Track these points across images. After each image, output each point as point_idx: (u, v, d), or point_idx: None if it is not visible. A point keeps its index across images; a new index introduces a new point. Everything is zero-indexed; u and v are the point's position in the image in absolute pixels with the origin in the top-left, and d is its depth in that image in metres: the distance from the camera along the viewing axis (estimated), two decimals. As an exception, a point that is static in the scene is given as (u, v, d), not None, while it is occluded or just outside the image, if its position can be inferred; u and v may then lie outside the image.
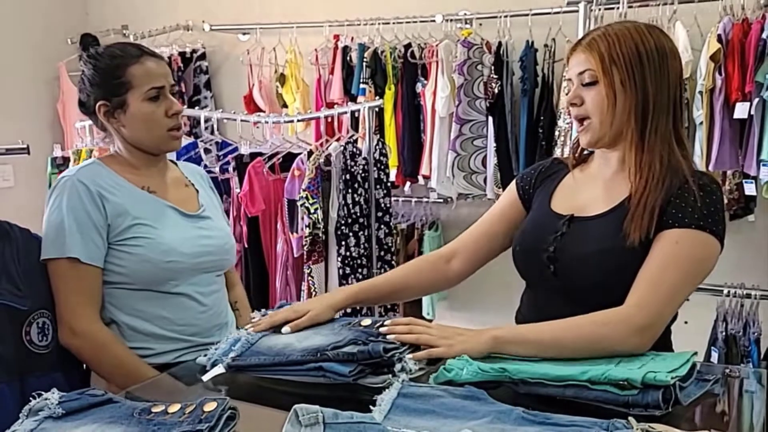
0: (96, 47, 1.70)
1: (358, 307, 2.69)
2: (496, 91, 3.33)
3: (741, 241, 2.99)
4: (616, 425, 0.97)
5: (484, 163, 3.39)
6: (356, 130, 3.11)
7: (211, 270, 1.73)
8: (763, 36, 2.66)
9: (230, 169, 3.01)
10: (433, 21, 3.52)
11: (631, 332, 1.21)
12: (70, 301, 1.56)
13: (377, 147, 3.01)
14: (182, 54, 4.22)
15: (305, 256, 2.85)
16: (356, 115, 3.13)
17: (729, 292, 2.84)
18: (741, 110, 2.70)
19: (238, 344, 1.34)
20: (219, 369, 1.31)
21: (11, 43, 4.21)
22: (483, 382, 1.15)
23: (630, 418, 0.99)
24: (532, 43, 3.28)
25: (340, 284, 2.84)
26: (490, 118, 3.35)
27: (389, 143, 3.47)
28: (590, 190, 1.43)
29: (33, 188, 3.95)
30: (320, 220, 2.83)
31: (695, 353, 1.17)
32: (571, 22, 3.13)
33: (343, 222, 2.88)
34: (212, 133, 3.11)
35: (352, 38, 3.71)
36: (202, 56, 4.29)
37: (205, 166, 2.96)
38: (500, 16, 3.35)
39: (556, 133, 3.16)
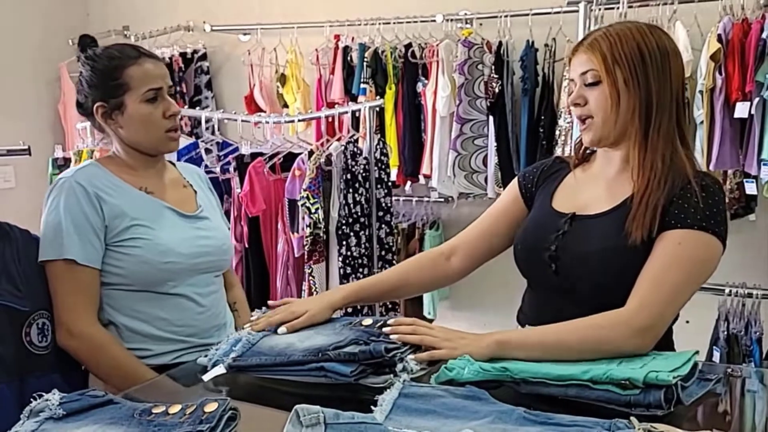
0: (94, 48, 1.69)
1: (358, 307, 2.70)
2: (496, 90, 3.33)
3: (742, 241, 2.99)
4: (618, 425, 0.97)
5: (485, 162, 3.39)
6: (357, 129, 3.11)
7: (209, 271, 1.73)
8: (763, 36, 2.66)
9: (231, 169, 3.01)
10: (434, 21, 3.52)
11: (632, 333, 1.21)
12: (68, 302, 1.56)
13: (378, 147, 3.01)
14: (183, 54, 4.22)
15: (306, 256, 2.85)
16: (357, 114, 3.13)
17: (730, 291, 2.84)
18: (741, 110, 2.70)
19: (239, 344, 1.33)
20: (220, 369, 1.30)
21: (12, 44, 4.21)
22: (484, 382, 1.15)
23: (632, 417, 0.98)
24: (533, 42, 3.28)
25: (341, 284, 2.83)
26: (491, 118, 3.35)
27: (390, 143, 3.47)
28: (592, 190, 1.42)
29: (34, 189, 3.94)
30: (321, 220, 2.83)
31: (697, 352, 1.17)
32: (571, 21, 3.13)
33: (344, 222, 2.88)
34: (213, 133, 3.11)
35: (353, 38, 3.71)
36: (203, 57, 4.29)
37: (206, 167, 2.96)
38: (500, 16, 3.35)
39: (557, 132, 3.16)
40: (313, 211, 2.79)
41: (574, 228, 1.38)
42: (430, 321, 3.02)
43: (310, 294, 2.82)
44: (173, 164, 1.84)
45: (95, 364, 1.60)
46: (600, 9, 2.95)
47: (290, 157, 3.01)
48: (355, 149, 2.92)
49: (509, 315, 1.57)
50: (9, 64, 4.19)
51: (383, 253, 3.06)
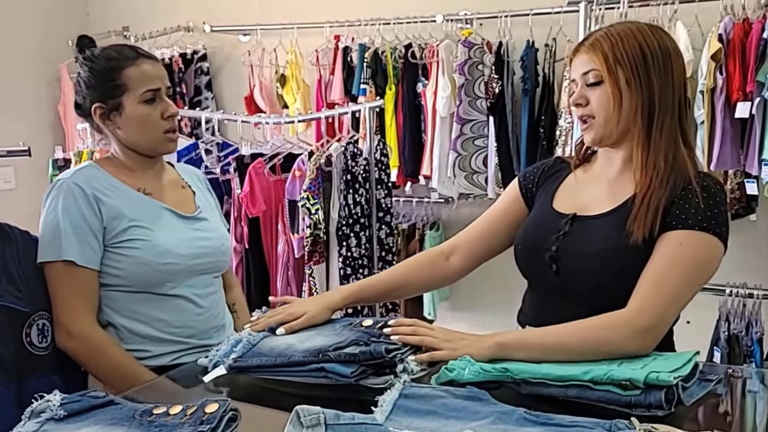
0: (92, 49, 1.69)
1: (359, 307, 2.70)
2: (496, 90, 3.33)
3: (743, 241, 2.98)
4: (619, 426, 0.97)
5: (485, 162, 3.39)
6: (357, 130, 3.11)
7: (208, 272, 1.73)
8: (764, 36, 2.66)
9: (231, 170, 3.01)
10: (434, 21, 3.52)
11: (634, 335, 1.21)
12: (67, 303, 1.56)
13: (378, 147, 3.01)
14: (183, 55, 4.22)
15: (306, 257, 2.85)
16: (357, 115, 3.13)
17: (731, 291, 2.84)
18: (742, 110, 2.70)
19: (239, 345, 1.33)
20: (220, 370, 1.30)
21: (12, 45, 4.21)
22: (484, 383, 1.15)
23: (632, 418, 0.98)
24: (533, 42, 3.28)
25: (341, 285, 2.83)
26: (491, 118, 3.35)
27: (390, 143, 3.47)
28: (593, 190, 1.42)
29: (34, 190, 3.93)
30: (321, 221, 2.82)
31: (698, 353, 1.17)
32: (571, 21, 3.13)
33: (344, 222, 2.88)
34: (213, 134, 3.11)
35: (353, 39, 3.71)
36: (203, 57, 4.29)
37: (206, 167, 2.96)
38: (501, 16, 3.35)
39: (557, 132, 3.16)
40: (313, 211, 2.79)
41: (575, 228, 1.38)
42: (431, 322, 3.02)
43: (311, 295, 2.82)
44: (172, 165, 1.84)
45: (94, 366, 1.60)
46: (600, 9, 2.95)
47: (290, 158, 3.01)
48: (355, 150, 2.92)
49: (509, 315, 1.57)
50: (9, 64, 4.19)
51: (383, 253, 3.05)
